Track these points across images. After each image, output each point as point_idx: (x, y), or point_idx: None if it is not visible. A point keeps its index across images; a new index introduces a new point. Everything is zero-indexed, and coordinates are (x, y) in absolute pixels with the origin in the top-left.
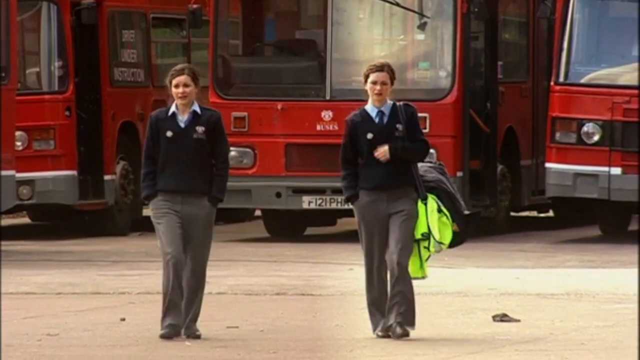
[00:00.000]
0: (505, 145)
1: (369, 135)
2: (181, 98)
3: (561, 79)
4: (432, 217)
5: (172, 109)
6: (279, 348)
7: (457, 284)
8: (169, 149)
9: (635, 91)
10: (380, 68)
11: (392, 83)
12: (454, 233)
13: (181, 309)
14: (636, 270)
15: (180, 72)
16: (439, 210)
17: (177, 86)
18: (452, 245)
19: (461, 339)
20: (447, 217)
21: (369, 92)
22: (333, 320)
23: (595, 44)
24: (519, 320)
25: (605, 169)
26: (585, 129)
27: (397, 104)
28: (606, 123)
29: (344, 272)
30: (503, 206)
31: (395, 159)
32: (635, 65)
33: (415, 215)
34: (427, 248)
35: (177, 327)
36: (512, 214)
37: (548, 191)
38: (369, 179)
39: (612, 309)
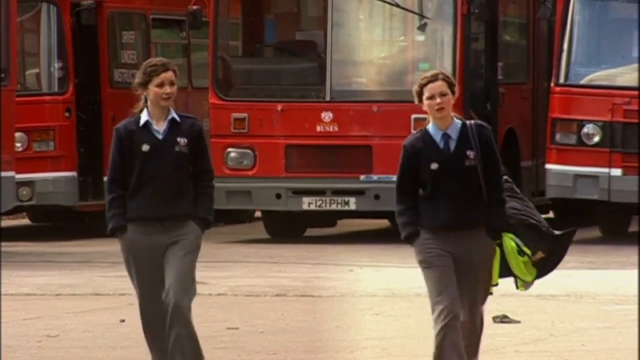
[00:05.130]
0: (506, 146)
1: (434, 166)
2: (165, 100)
3: (561, 80)
4: (514, 260)
5: (145, 117)
6: (279, 349)
7: None
8: (145, 166)
9: (636, 92)
10: (433, 78)
11: (453, 93)
12: (541, 262)
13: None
14: (636, 271)
15: (165, 68)
16: (521, 253)
17: (161, 85)
18: (541, 275)
19: None
20: (528, 257)
21: (428, 110)
22: (333, 322)
23: (595, 45)
24: (519, 322)
25: (606, 170)
26: (585, 130)
27: (468, 123)
28: (606, 124)
29: (344, 274)
30: None
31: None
32: (635, 66)
33: (491, 260)
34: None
35: None
36: None
37: (548, 192)
38: (432, 216)
39: (612, 310)
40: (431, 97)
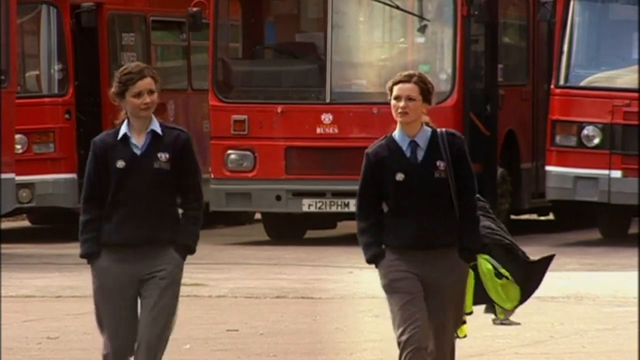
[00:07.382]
0: (506, 148)
1: (399, 177)
2: (144, 110)
3: (561, 82)
4: (491, 284)
5: (123, 129)
6: (279, 351)
7: None
8: (121, 184)
9: (636, 94)
10: (407, 78)
11: (427, 100)
12: (520, 288)
13: None
14: (636, 273)
15: (141, 75)
16: (499, 275)
17: (139, 95)
18: (522, 301)
19: (461, 342)
20: (508, 278)
21: (392, 112)
22: (333, 324)
23: (595, 47)
24: (519, 324)
25: (606, 172)
26: (585, 132)
27: (439, 131)
28: (606, 126)
29: (344, 275)
30: (503, 209)
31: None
32: (635, 67)
33: (464, 281)
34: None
35: None
36: (512, 217)
37: (548, 194)
38: (397, 234)
39: (612, 312)
40: (397, 98)
